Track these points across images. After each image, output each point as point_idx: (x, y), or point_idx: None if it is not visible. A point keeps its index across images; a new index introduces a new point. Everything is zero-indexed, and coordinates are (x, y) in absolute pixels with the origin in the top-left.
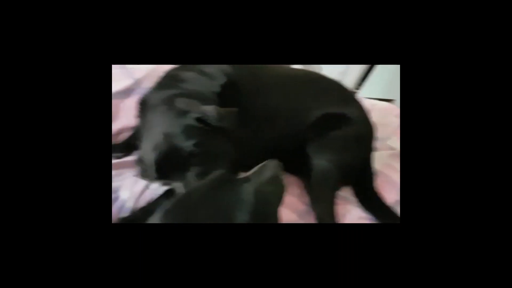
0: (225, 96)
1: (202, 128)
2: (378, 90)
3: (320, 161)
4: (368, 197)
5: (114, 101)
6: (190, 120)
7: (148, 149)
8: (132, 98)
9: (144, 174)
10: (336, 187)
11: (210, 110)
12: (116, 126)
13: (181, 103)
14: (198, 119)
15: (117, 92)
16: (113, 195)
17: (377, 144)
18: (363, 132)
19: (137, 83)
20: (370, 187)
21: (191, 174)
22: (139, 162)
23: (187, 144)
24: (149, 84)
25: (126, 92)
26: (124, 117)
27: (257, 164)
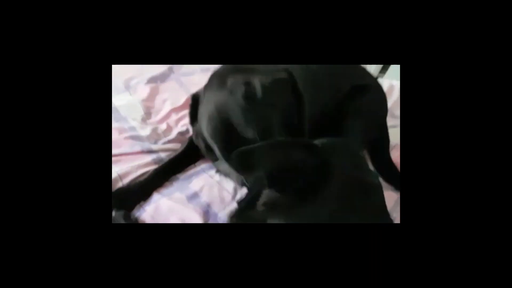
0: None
1: (255, 107)
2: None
3: (347, 123)
4: (384, 164)
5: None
6: (239, 100)
7: (208, 133)
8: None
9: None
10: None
11: (255, 83)
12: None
13: (231, 83)
14: (246, 97)
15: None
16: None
17: (397, 121)
18: (378, 99)
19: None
20: (386, 155)
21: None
22: (196, 138)
23: (247, 131)
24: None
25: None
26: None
27: None
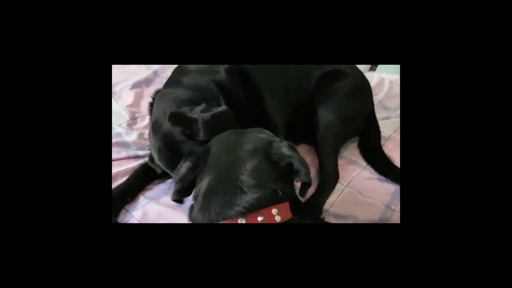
0: (232, 80)
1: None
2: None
3: (324, 113)
4: (375, 157)
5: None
6: (182, 137)
7: (156, 157)
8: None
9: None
10: (340, 137)
11: (197, 122)
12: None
13: (170, 119)
14: (189, 136)
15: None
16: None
17: (389, 113)
18: (360, 84)
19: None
20: (376, 147)
21: None
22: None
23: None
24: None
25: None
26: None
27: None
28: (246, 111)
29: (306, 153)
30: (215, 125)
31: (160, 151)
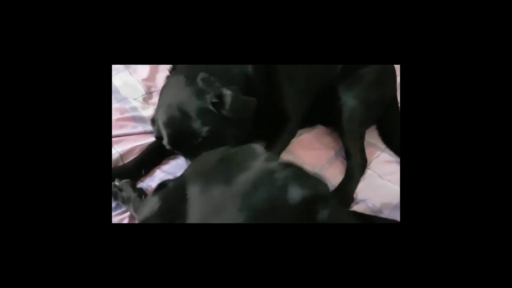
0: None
1: (217, 114)
2: None
3: (348, 98)
4: (395, 140)
5: None
6: (206, 103)
7: (162, 120)
8: None
9: (157, 137)
10: (364, 123)
11: (227, 96)
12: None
13: (202, 80)
14: (215, 104)
15: None
16: None
17: None
18: (385, 69)
19: None
20: (396, 130)
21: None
22: (153, 123)
23: (202, 129)
24: None
25: None
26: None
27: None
28: (263, 103)
29: (323, 135)
30: (241, 108)
31: (169, 107)
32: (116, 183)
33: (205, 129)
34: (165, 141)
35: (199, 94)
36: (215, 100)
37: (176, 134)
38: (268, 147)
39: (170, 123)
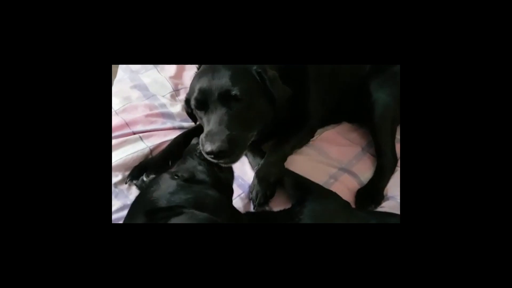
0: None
1: (256, 83)
2: None
3: (381, 95)
4: None
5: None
6: (251, 67)
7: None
8: None
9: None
10: (396, 120)
11: (271, 73)
12: None
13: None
14: (259, 73)
15: None
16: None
17: None
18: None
19: None
20: None
21: None
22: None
23: (234, 89)
24: None
25: None
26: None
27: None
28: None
29: (348, 131)
30: (280, 89)
31: (201, 91)
32: (144, 178)
33: (238, 91)
34: (194, 95)
35: (242, 67)
36: (259, 70)
37: (207, 89)
38: (282, 143)
39: (203, 81)
